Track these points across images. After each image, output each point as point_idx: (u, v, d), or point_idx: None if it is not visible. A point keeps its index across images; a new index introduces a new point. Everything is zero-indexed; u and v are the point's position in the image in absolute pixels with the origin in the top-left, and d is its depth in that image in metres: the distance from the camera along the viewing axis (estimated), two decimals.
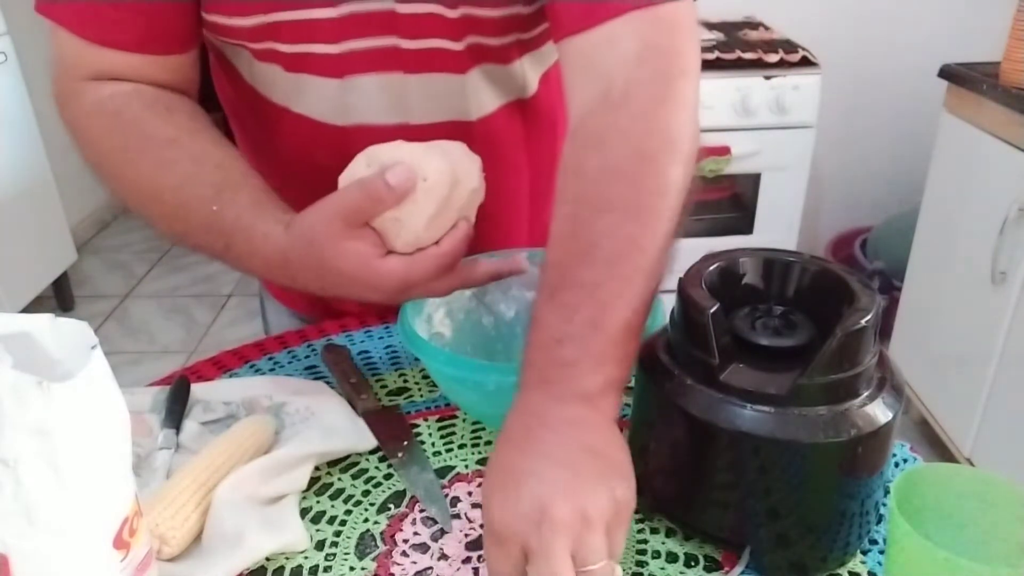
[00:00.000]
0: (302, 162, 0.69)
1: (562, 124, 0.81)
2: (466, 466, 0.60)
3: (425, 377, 0.70)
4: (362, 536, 0.54)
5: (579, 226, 0.50)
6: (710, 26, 2.17)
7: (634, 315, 0.48)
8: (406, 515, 0.55)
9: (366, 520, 0.55)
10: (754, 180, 2.08)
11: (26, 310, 2.23)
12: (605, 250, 0.48)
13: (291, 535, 0.52)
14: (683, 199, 0.52)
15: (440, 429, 0.64)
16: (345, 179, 0.56)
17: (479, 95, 0.69)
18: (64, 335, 0.41)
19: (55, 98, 0.65)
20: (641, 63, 0.54)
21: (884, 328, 1.85)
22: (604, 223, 0.49)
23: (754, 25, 2.22)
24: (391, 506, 0.56)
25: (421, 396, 0.68)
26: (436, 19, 0.64)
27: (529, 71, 0.73)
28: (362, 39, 0.64)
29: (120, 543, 0.41)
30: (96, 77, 0.63)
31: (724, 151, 2.00)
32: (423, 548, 0.52)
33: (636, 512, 0.55)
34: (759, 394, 0.46)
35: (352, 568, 0.51)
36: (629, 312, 0.47)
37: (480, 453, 0.61)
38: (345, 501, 0.57)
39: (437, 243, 0.55)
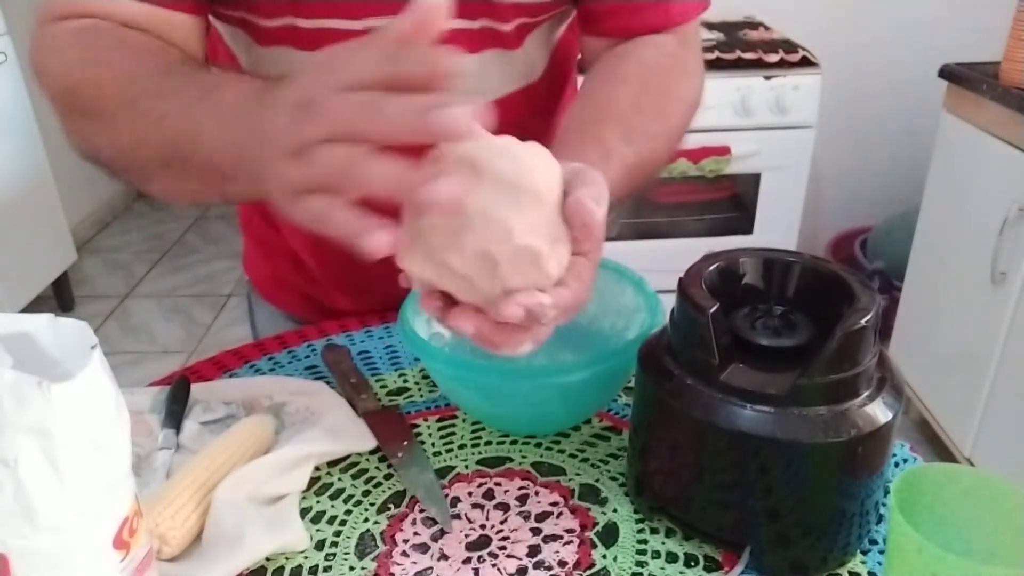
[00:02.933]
0: None
1: (560, 113, 0.82)
2: (466, 466, 0.60)
3: (425, 377, 0.70)
4: (362, 536, 0.54)
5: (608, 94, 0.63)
6: (710, 26, 2.17)
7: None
8: (406, 515, 0.55)
9: (366, 520, 0.55)
10: (754, 180, 2.08)
11: (26, 310, 2.22)
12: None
13: (291, 535, 0.52)
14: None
15: (440, 429, 0.64)
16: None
17: (490, 79, 0.71)
18: (64, 335, 0.41)
19: (30, 53, 0.59)
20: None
21: (884, 328, 1.85)
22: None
23: (754, 25, 2.22)
24: (391, 506, 0.56)
25: (421, 396, 0.68)
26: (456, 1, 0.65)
27: (535, 56, 0.74)
28: (383, 17, 0.64)
29: (120, 543, 0.41)
30: (70, 16, 0.58)
31: (724, 151, 2.00)
32: (423, 548, 0.52)
33: (636, 512, 0.55)
34: (759, 394, 0.46)
35: (352, 568, 0.51)
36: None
37: (480, 453, 0.61)
38: (345, 501, 0.57)
39: None
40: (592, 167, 0.49)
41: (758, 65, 1.94)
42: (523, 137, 0.45)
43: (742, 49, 1.96)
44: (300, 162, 0.39)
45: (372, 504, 0.56)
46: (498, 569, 0.51)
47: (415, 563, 0.51)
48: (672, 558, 0.51)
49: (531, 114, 0.75)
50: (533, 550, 0.52)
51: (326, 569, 0.51)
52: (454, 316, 0.45)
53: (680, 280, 0.51)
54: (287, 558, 0.52)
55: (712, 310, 0.48)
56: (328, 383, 0.68)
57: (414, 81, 0.39)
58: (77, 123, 0.57)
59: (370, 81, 0.39)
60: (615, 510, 0.55)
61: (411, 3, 0.39)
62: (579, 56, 0.79)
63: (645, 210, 2.15)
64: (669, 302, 0.53)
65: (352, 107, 0.38)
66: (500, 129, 0.42)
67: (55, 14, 0.58)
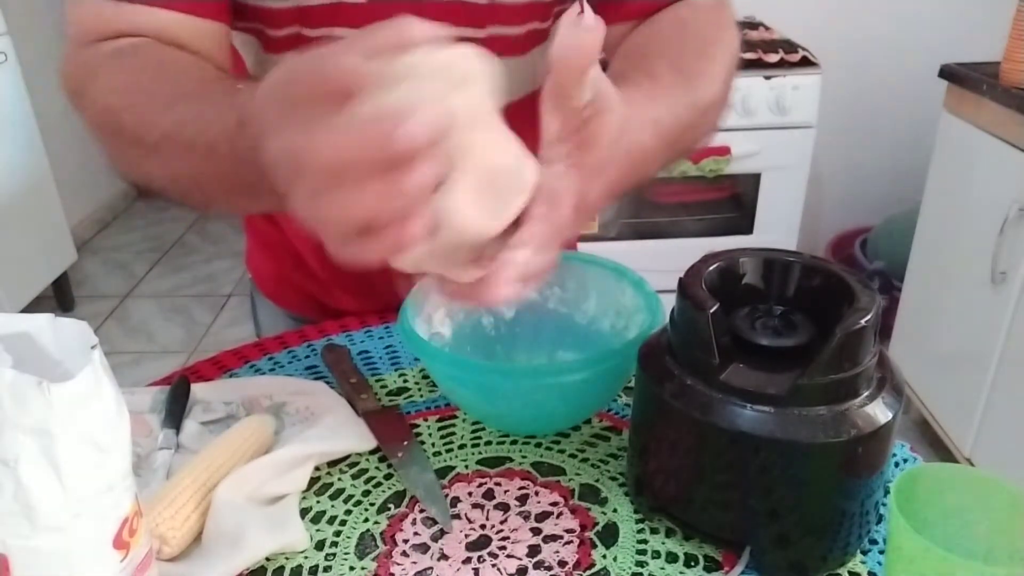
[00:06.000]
0: None
1: None
2: (466, 466, 0.60)
3: (425, 377, 0.70)
4: (362, 536, 0.54)
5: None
6: None
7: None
8: (406, 515, 0.55)
9: (366, 520, 0.55)
10: (754, 180, 2.08)
11: (26, 310, 2.23)
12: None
13: (291, 535, 0.52)
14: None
15: (440, 429, 0.64)
16: None
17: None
18: (64, 335, 0.41)
19: (62, 75, 0.58)
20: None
21: (884, 328, 1.85)
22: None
23: (754, 25, 2.22)
24: (391, 506, 0.56)
25: (421, 396, 0.68)
26: (462, 7, 0.64)
27: (538, 64, 0.73)
28: None
29: (120, 543, 0.41)
30: (106, 38, 0.57)
31: (724, 151, 2.00)
32: (423, 548, 0.52)
33: (636, 512, 0.55)
34: (759, 394, 0.46)
35: (352, 568, 0.51)
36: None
37: (480, 453, 0.61)
38: (345, 501, 0.57)
39: None
40: (639, 88, 0.46)
41: (758, 65, 1.94)
42: (530, 145, 0.43)
43: (742, 49, 1.96)
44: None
45: (372, 504, 0.56)
46: (498, 569, 0.51)
47: (415, 563, 0.51)
48: (672, 558, 0.51)
49: (536, 122, 0.75)
50: (533, 550, 0.52)
51: (326, 569, 0.51)
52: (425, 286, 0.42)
53: (680, 280, 0.51)
54: (287, 558, 0.52)
55: (712, 310, 0.48)
56: (328, 383, 0.68)
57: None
58: (123, 150, 0.56)
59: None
60: (615, 510, 0.55)
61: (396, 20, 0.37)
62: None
63: (645, 210, 2.15)
64: (669, 302, 0.53)
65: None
66: None
67: (90, 37, 0.58)
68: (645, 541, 0.53)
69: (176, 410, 0.63)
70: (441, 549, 0.52)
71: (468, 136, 0.36)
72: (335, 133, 0.33)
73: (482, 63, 0.37)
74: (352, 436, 0.61)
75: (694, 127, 0.57)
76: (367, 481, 0.58)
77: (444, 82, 0.35)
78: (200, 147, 0.49)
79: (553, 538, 0.53)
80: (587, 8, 0.37)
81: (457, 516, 0.55)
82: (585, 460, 0.60)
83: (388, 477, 0.59)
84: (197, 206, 0.57)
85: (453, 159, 0.35)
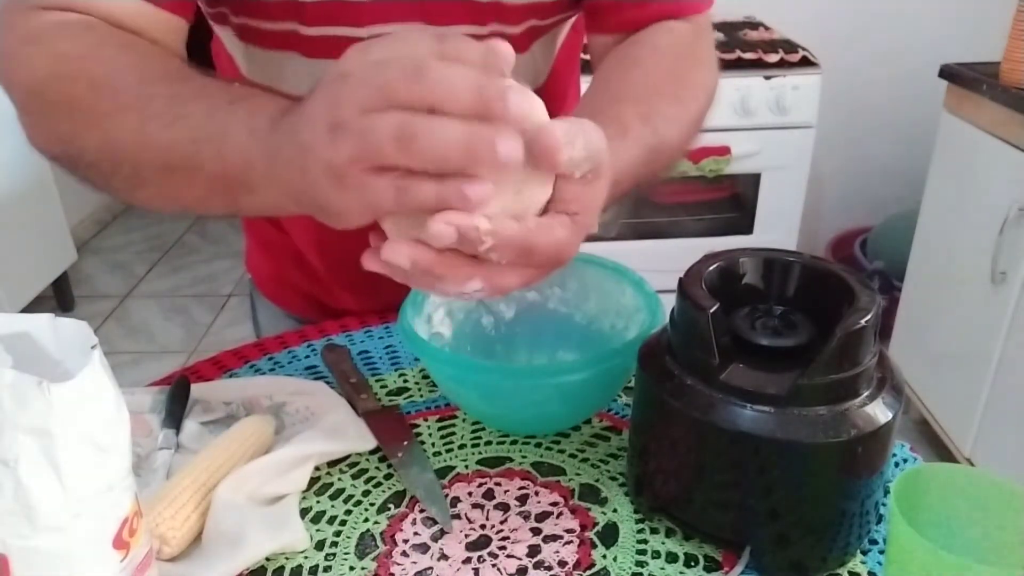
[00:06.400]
0: None
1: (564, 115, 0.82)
2: (466, 466, 0.60)
3: (425, 377, 0.70)
4: (362, 536, 0.54)
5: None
6: None
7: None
8: (406, 515, 0.55)
9: (366, 520, 0.55)
10: (754, 180, 2.08)
11: (26, 310, 2.23)
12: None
13: (291, 535, 0.52)
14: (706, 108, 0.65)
15: (440, 429, 0.64)
16: None
17: None
18: (64, 335, 0.41)
19: None
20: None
21: (884, 328, 1.85)
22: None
23: (754, 25, 2.22)
24: (391, 506, 0.56)
25: (421, 396, 0.68)
26: (464, 5, 0.64)
27: (540, 60, 0.74)
28: (388, 24, 0.64)
29: (120, 543, 0.41)
30: (52, 8, 0.54)
31: (724, 151, 2.00)
32: (423, 548, 0.52)
33: (636, 512, 0.55)
34: (759, 394, 0.46)
35: (352, 568, 0.51)
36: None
37: (480, 453, 0.61)
38: (345, 501, 0.57)
39: None
40: (609, 141, 0.47)
41: (758, 65, 1.94)
42: None
43: (742, 49, 1.96)
44: (348, 143, 0.38)
45: (372, 504, 0.56)
46: (498, 569, 0.51)
47: (415, 563, 0.51)
48: (672, 558, 0.51)
49: None
50: (533, 550, 0.52)
51: (326, 569, 0.51)
52: (387, 248, 0.41)
53: (680, 280, 0.51)
54: (287, 558, 0.52)
55: (712, 310, 0.48)
56: (328, 383, 0.68)
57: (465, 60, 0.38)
58: (56, 120, 0.53)
59: (411, 85, 0.37)
60: (615, 510, 0.55)
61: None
62: (583, 59, 0.79)
63: (645, 210, 2.15)
64: (669, 302, 0.53)
65: (385, 128, 0.37)
66: None
67: (33, 3, 0.55)
68: (645, 541, 0.53)
69: (176, 410, 0.63)
70: (441, 549, 0.52)
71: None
72: (448, 78, 0.37)
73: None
74: (352, 436, 0.61)
75: (674, 143, 0.59)
76: (367, 481, 0.58)
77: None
78: (163, 118, 0.48)
79: (553, 538, 0.53)
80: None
81: (457, 516, 0.55)
82: (585, 460, 0.60)
83: (388, 477, 0.59)
84: (120, 185, 0.54)
85: None
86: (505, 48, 0.39)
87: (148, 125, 0.49)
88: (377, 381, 0.70)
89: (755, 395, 0.46)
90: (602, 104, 0.59)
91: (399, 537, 0.53)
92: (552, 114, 0.43)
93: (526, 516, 0.55)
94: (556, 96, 0.78)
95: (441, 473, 0.59)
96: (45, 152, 0.55)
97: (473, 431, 0.64)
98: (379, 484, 0.58)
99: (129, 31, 0.55)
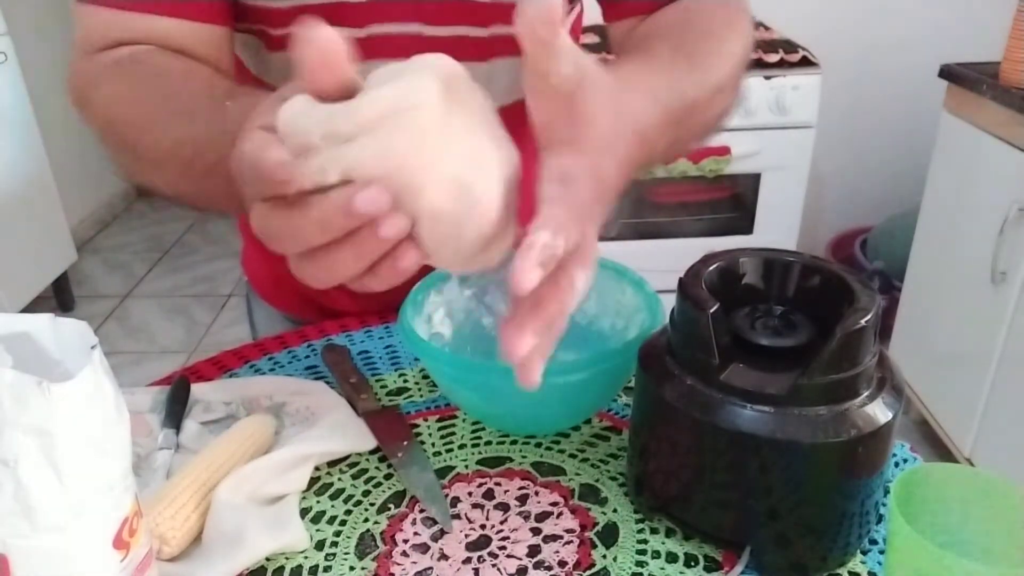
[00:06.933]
0: None
1: None
2: (466, 466, 0.60)
3: (425, 377, 0.70)
4: (362, 536, 0.54)
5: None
6: None
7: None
8: (406, 515, 0.55)
9: (366, 520, 0.55)
10: (754, 180, 2.08)
11: (26, 310, 2.23)
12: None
13: (291, 535, 0.52)
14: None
15: (440, 429, 0.64)
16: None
17: (498, 88, 0.69)
18: (64, 335, 0.41)
19: (69, 84, 0.58)
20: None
21: (884, 328, 1.85)
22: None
23: (754, 25, 2.22)
24: (391, 506, 0.56)
25: (421, 396, 0.68)
26: (465, 6, 0.64)
27: None
28: (386, 24, 0.64)
29: (120, 543, 0.41)
30: (108, 47, 0.58)
31: (724, 151, 2.00)
32: (423, 548, 0.52)
33: (636, 512, 0.55)
34: (759, 394, 0.46)
35: (352, 568, 0.51)
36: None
37: (480, 453, 0.61)
38: (345, 501, 0.57)
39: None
40: (634, 64, 0.45)
41: (758, 65, 1.94)
42: (528, 148, 0.41)
43: None
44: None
45: (372, 504, 0.56)
46: (498, 569, 0.51)
47: (415, 563, 0.51)
48: (672, 558, 0.51)
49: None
50: (533, 550, 0.52)
51: (326, 569, 0.51)
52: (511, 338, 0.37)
53: (680, 280, 0.51)
54: (287, 558, 0.52)
55: (712, 310, 0.48)
56: (328, 383, 0.68)
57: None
58: (127, 161, 0.56)
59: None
60: (615, 510, 0.55)
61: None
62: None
63: (645, 210, 2.15)
64: (669, 302, 0.53)
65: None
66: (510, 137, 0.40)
67: (94, 46, 0.58)
68: (645, 541, 0.53)
69: (176, 410, 0.63)
70: (441, 549, 0.52)
71: (423, 160, 0.34)
72: (296, 222, 0.34)
73: (430, 75, 0.35)
74: (352, 436, 0.61)
75: (702, 107, 0.54)
76: (367, 481, 0.58)
77: (383, 125, 0.34)
78: (200, 165, 0.49)
79: (553, 538, 0.53)
80: None
81: (457, 516, 0.55)
82: (585, 460, 0.60)
83: (388, 477, 0.59)
84: (206, 212, 0.58)
85: (416, 187, 0.34)
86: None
87: (190, 173, 0.50)
88: (377, 381, 0.70)
89: (755, 395, 0.46)
90: (630, 48, 0.57)
91: (399, 537, 0.53)
92: None
93: (526, 516, 0.55)
94: None
95: (441, 473, 0.59)
96: (138, 186, 0.59)
97: (473, 431, 0.64)
98: (379, 484, 0.58)
99: (176, 50, 0.57)
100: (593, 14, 0.74)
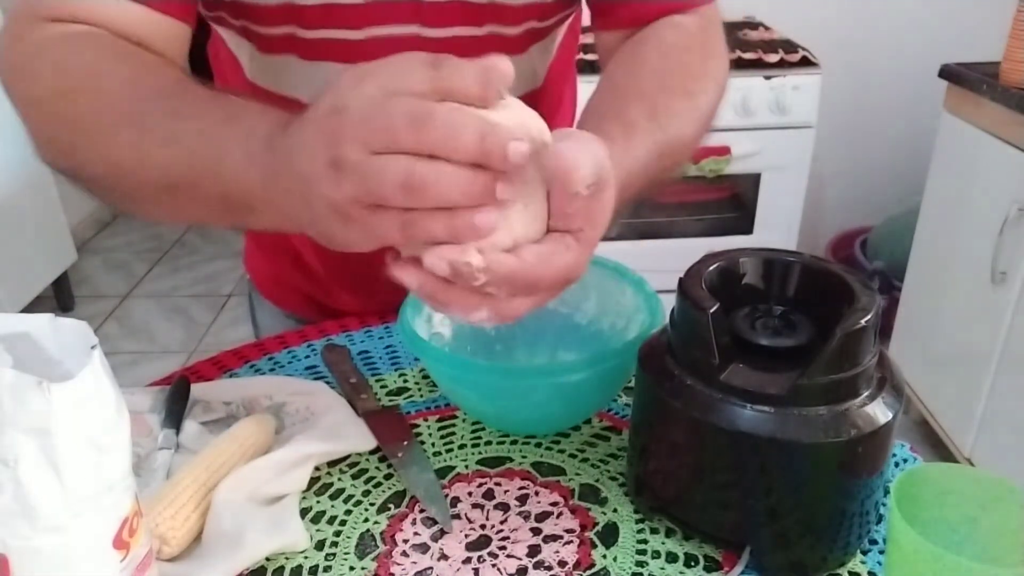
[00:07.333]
0: None
1: (560, 120, 0.81)
2: (466, 466, 0.60)
3: (425, 377, 0.70)
4: (362, 536, 0.54)
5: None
6: None
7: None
8: (406, 515, 0.55)
9: (366, 520, 0.55)
10: (754, 180, 2.08)
11: (26, 310, 2.23)
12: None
13: (291, 535, 0.52)
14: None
15: (440, 429, 0.64)
16: None
17: None
18: (64, 335, 0.41)
19: (3, 47, 0.55)
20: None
21: (884, 328, 1.85)
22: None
23: (754, 25, 2.22)
24: (391, 506, 0.56)
25: (421, 396, 0.68)
26: (461, 7, 0.64)
27: (537, 62, 0.73)
28: (385, 26, 0.64)
29: (120, 543, 0.41)
30: (59, 19, 0.54)
31: (724, 151, 2.00)
32: (423, 548, 0.52)
33: (636, 512, 0.55)
34: (759, 394, 0.46)
35: (352, 568, 0.51)
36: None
37: (480, 453, 0.61)
38: (345, 501, 0.57)
39: None
40: (614, 143, 0.46)
41: (758, 65, 1.94)
42: None
43: (742, 49, 1.96)
44: (351, 183, 0.38)
45: (372, 504, 0.56)
46: (498, 569, 0.51)
47: (415, 563, 0.51)
48: (672, 558, 0.51)
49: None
50: (533, 550, 0.52)
51: (326, 569, 0.51)
52: (398, 267, 0.42)
53: (680, 280, 0.51)
54: (287, 558, 0.52)
55: (712, 310, 0.48)
56: (328, 383, 0.68)
57: (464, 95, 0.38)
58: (60, 133, 0.53)
59: (411, 114, 0.37)
60: (615, 510, 0.55)
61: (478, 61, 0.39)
62: (580, 60, 0.78)
63: (645, 210, 2.15)
64: (669, 302, 0.53)
65: (391, 175, 0.37)
66: None
67: (41, 14, 0.54)
68: (645, 541, 0.53)
69: (176, 410, 0.63)
70: (441, 549, 0.52)
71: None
72: (452, 126, 0.36)
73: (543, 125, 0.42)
74: (352, 436, 0.61)
75: (662, 172, 0.57)
76: (367, 481, 0.58)
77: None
78: (158, 134, 0.48)
79: (553, 538, 0.53)
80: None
81: (457, 516, 0.55)
82: (585, 460, 0.60)
83: (388, 477, 0.59)
84: (120, 200, 0.54)
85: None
86: (504, 66, 0.38)
87: (145, 143, 0.49)
88: (377, 381, 0.70)
89: (755, 395, 0.46)
90: (608, 105, 0.58)
91: (399, 537, 0.53)
92: (548, 116, 0.43)
93: (526, 516, 0.55)
94: (552, 98, 0.78)
95: (441, 473, 0.59)
96: (50, 164, 0.55)
97: (473, 431, 0.64)
98: (379, 484, 0.58)
99: (133, 41, 0.55)
100: None
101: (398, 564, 0.51)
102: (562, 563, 0.51)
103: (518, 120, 0.39)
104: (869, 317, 0.46)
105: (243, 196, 0.46)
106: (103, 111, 0.51)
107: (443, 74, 0.38)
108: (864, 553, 0.52)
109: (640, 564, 0.51)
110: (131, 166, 0.50)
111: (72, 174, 0.54)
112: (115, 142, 0.50)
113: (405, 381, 0.70)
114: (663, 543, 0.53)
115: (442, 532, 0.54)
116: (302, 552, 0.52)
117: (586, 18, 0.74)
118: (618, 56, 0.65)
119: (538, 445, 0.62)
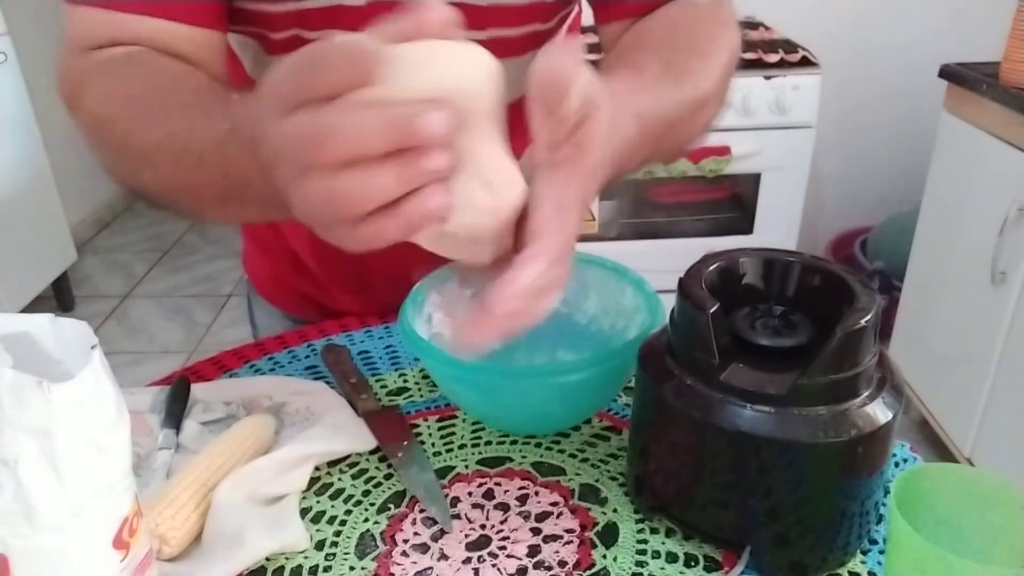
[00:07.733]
0: None
1: None
2: (466, 466, 0.60)
3: (425, 377, 0.70)
4: (362, 536, 0.54)
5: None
6: None
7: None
8: (406, 515, 0.55)
9: (366, 520, 0.55)
10: (754, 180, 2.08)
11: (26, 310, 2.23)
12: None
13: (291, 535, 0.52)
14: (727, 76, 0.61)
15: (440, 429, 0.64)
16: None
17: None
18: (64, 335, 0.41)
19: (59, 83, 0.58)
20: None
21: (884, 328, 1.85)
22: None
23: (754, 25, 2.22)
24: (391, 506, 0.56)
25: (421, 396, 0.68)
26: (461, 8, 0.64)
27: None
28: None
29: (120, 543, 0.41)
30: (102, 46, 0.57)
31: (724, 151, 2.00)
32: (423, 548, 0.52)
33: (636, 512, 0.55)
34: (759, 394, 0.46)
35: (352, 568, 0.51)
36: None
37: (480, 453, 0.61)
38: (345, 501, 0.57)
39: None
40: (623, 81, 0.45)
41: (758, 65, 1.94)
42: (521, 146, 0.42)
43: (742, 49, 1.96)
44: (281, 157, 0.37)
45: (372, 504, 0.56)
46: (498, 569, 0.51)
47: (415, 563, 0.51)
48: (672, 558, 0.51)
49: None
50: (533, 550, 0.52)
51: (326, 569, 0.51)
52: (479, 330, 0.41)
53: (680, 280, 0.51)
54: (287, 558, 0.52)
55: (712, 310, 0.48)
56: (328, 383, 0.68)
57: (340, 83, 0.35)
58: (116, 159, 0.55)
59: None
60: (615, 510, 0.55)
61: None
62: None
63: (645, 210, 2.15)
64: (669, 302, 0.53)
65: (300, 133, 0.35)
66: (507, 138, 0.41)
67: (85, 44, 0.57)
68: (645, 541, 0.53)
69: (176, 410, 0.63)
70: (441, 549, 0.52)
71: (469, 137, 0.37)
72: (356, 114, 0.34)
73: (491, 68, 0.39)
74: (352, 436, 0.61)
75: (683, 124, 0.55)
76: (367, 481, 0.58)
77: (455, 76, 0.37)
78: (190, 156, 0.48)
79: (553, 538, 0.53)
80: (566, 41, 0.38)
81: (457, 516, 0.55)
82: (585, 460, 0.60)
83: (388, 477, 0.59)
84: (190, 214, 0.56)
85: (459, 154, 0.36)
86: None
87: (181, 164, 0.49)
88: (377, 381, 0.70)
89: (755, 395, 0.46)
90: (619, 56, 0.56)
91: (399, 537, 0.53)
92: None
93: (526, 516, 0.55)
94: None
95: (441, 473, 0.59)
96: (119, 186, 0.57)
97: (473, 431, 0.64)
98: (379, 484, 0.58)
99: (171, 54, 0.56)
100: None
101: (398, 564, 0.51)
102: (562, 563, 0.51)
103: (431, 64, 0.37)
104: (869, 317, 0.46)
105: (274, 197, 0.45)
106: (138, 136, 0.52)
107: (307, 79, 0.36)
108: (864, 553, 0.52)
109: (640, 564, 0.51)
110: (178, 185, 0.52)
111: (140, 194, 0.56)
112: (158, 164, 0.51)
113: (405, 381, 0.70)
114: (663, 543, 0.53)
115: (442, 532, 0.54)
116: (302, 552, 0.52)
117: (587, 18, 0.74)
118: (624, 35, 0.64)
119: (538, 445, 0.62)
